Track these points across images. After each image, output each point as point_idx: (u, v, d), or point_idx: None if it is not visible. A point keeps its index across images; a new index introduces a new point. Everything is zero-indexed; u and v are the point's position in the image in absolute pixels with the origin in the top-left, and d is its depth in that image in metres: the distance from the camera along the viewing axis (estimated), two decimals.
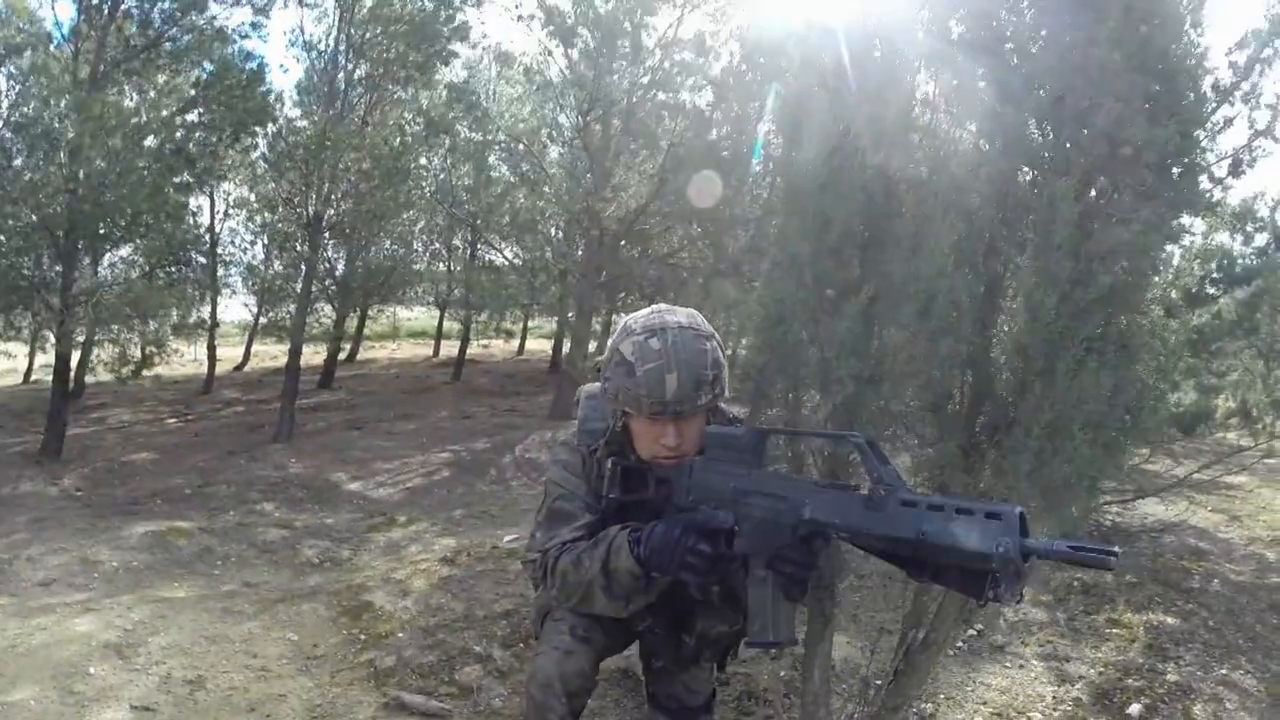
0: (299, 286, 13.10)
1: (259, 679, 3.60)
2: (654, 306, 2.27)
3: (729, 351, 2.47)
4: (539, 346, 25.28)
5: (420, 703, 3.39)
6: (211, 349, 17.32)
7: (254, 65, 11.09)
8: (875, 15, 2.43)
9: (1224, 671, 3.73)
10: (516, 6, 12.49)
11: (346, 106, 12.40)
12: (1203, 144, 2.28)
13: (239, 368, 20.74)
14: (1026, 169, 2.34)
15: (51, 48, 10.24)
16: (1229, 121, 3.99)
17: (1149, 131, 2.05)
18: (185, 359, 18.16)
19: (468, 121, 14.37)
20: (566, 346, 14.96)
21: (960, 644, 3.95)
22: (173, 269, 12.62)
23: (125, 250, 12.18)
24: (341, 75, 12.26)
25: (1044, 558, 1.49)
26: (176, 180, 10.17)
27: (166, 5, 10.04)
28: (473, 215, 16.51)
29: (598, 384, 2.38)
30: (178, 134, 10.28)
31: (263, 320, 17.15)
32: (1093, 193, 2.18)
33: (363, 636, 4.06)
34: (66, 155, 9.31)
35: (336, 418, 13.35)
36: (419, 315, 27.66)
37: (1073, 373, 2.10)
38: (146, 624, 4.08)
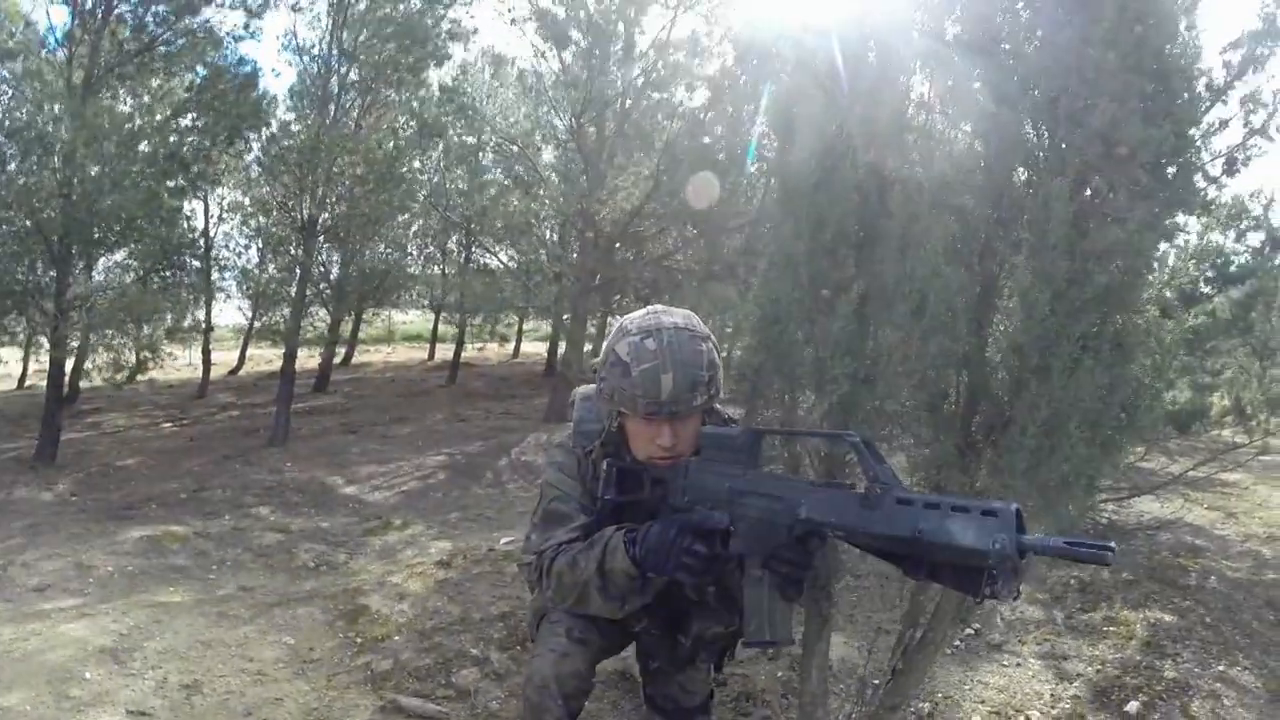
0: (293, 290, 13.06)
1: (255, 683, 3.60)
2: (650, 307, 2.27)
3: (724, 353, 2.47)
4: (534, 349, 25.30)
5: (417, 706, 3.39)
6: (206, 353, 17.29)
7: (247, 69, 11.09)
8: (870, 16, 2.43)
9: (1222, 668, 3.74)
10: (510, 10, 12.50)
11: (340, 110, 12.39)
12: (1198, 143, 2.29)
13: (234, 372, 20.71)
14: (1022, 170, 2.35)
15: (44, 53, 10.21)
16: (1224, 123, 4.01)
17: (1144, 131, 2.05)
18: (180, 363, 18.14)
19: (460, 123, 14.37)
20: (562, 349, 14.95)
21: (958, 643, 3.95)
22: (167, 273, 12.59)
23: (119, 255, 12.15)
24: (335, 79, 12.24)
25: (1040, 554, 1.49)
26: (170, 184, 10.15)
27: (160, 9, 10.01)
28: (467, 218, 16.51)
29: (592, 386, 2.38)
30: (171, 138, 10.27)
31: (257, 324, 17.10)
32: (1088, 192, 2.18)
33: (359, 640, 4.05)
34: (60, 160, 9.28)
35: (332, 421, 13.33)
36: (414, 319, 27.70)
37: (1069, 371, 2.10)
38: (142, 629, 4.07)
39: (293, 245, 13.50)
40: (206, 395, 16.78)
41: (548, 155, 14.96)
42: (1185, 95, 2.18)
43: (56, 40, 10.50)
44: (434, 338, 24.25)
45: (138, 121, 10.41)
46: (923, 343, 2.23)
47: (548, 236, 16.14)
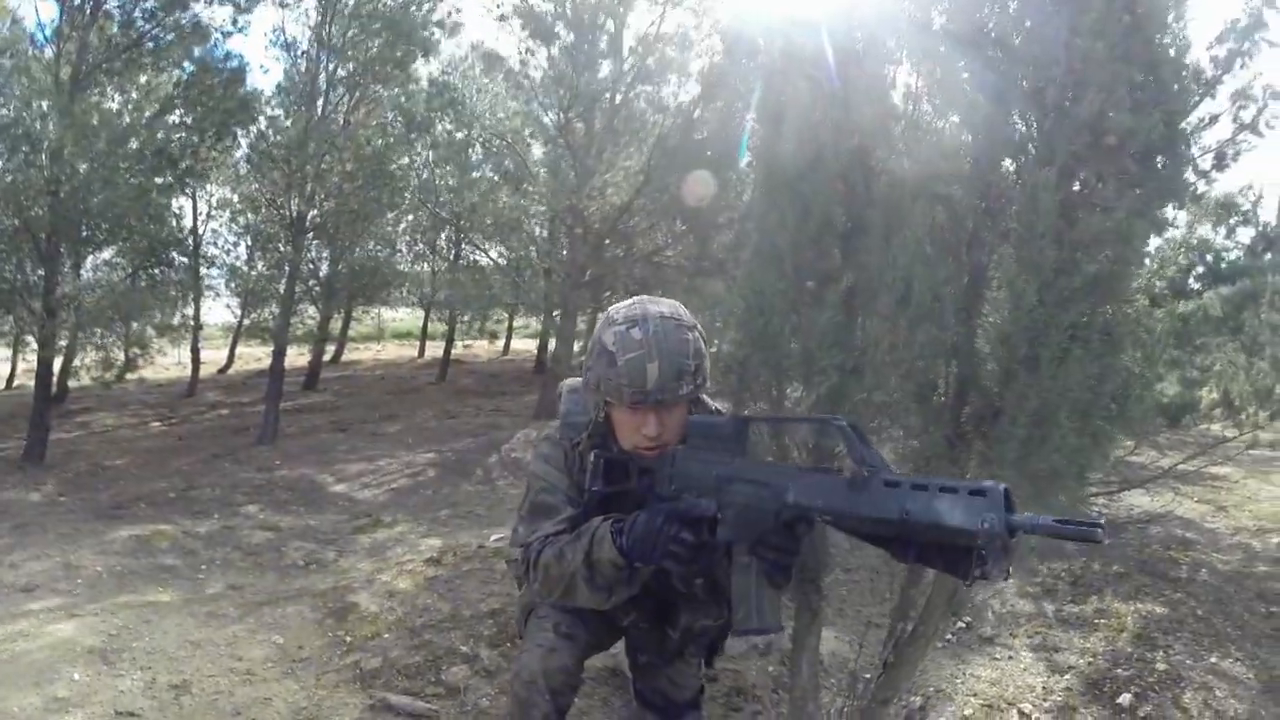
0: (282, 288, 13.03)
1: (244, 682, 3.58)
2: (636, 297, 2.26)
3: (713, 349, 2.45)
4: (524, 346, 25.28)
5: (406, 704, 3.37)
6: (195, 352, 17.25)
7: (233, 64, 11.05)
8: (858, 6, 2.42)
9: (1213, 660, 3.74)
10: (498, 6, 12.46)
11: (329, 106, 12.35)
12: (1188, 134, 2.28)
13: (223, 370, 20.67)
14: (1010, 160, 2.34)
15: (32, 49, 10.15)
16: (1214, 118, 4.01)
17: (1134, 121, 2.05)
18: (169, 362, 18.09)
19: (449, 118, 14.33)
20: (552, 346, 14.93)
21: (949, 636, 3.95)
22: (155, 271, 12.55)
23: (108, 253, 12.11)
24: (323, 75, 12.20)
25: (1030, 532, 1.47)
26: (159, 181, 10.11)
27: (149, 4, 9.97)
28: (456, 215, 16.47)
29: (579, 378, 2.36)
30: (159, 135, 10.22)
31: (246, 322, 17.04)
32: (1076, 186, 2.17)
33: (348, 638, 4.03)
34: (48, 158, 9.23)
35: (321, 419, 13.30)
36: (404, 316, 27.66)
37: (1058, 361, 2.09)
38: (130, 628, 4.05)
39: (281, 242, 13.45)
40: (196, 394, 16.74)
41: (537, 151, 14.92)
42: (1175, 85, 2.17)
43: (45, 37, 10.46)
44: (424, 335, 24.24)
45: (126, 119, 10.35)
46: (909, 332, 2.22)
47: (537, 233, 16.10)
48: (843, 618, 4.15)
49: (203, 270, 16.18)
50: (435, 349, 21.93)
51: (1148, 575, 4.62)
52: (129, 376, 12.27)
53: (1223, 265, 11.80)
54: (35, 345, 10.28)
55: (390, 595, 4.55)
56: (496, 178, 15.57)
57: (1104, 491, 5.21)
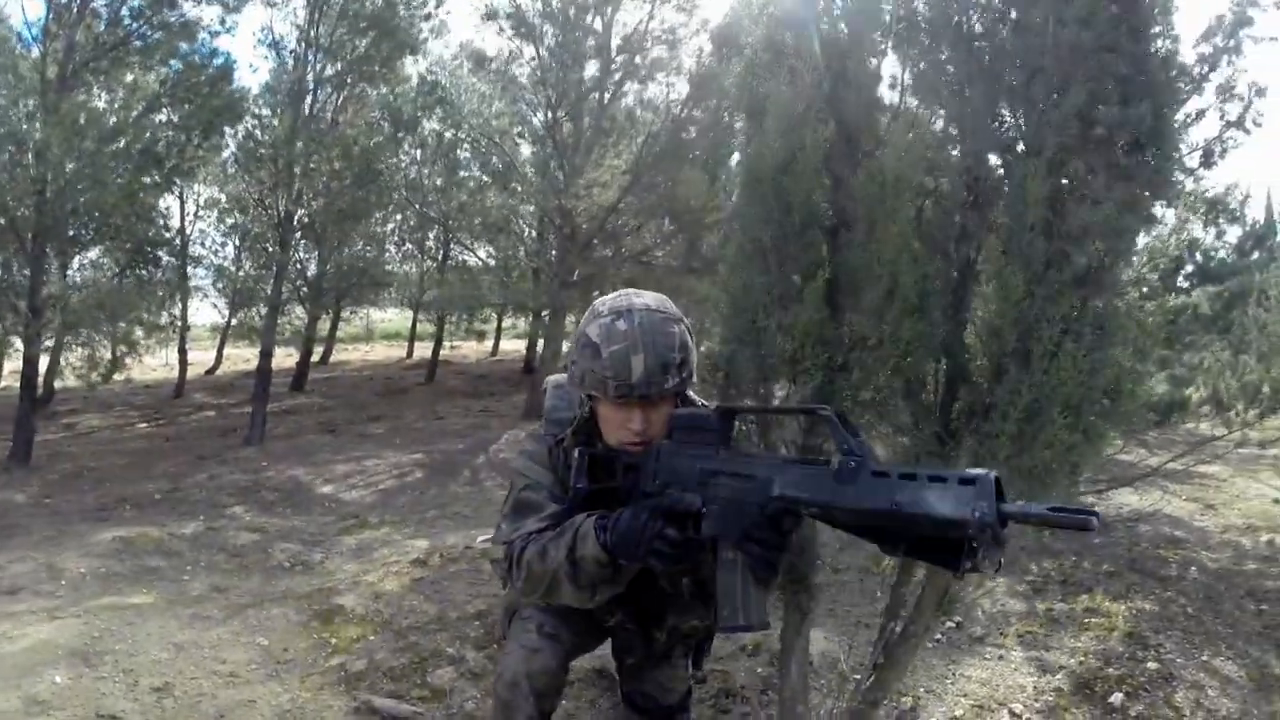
0: (270, 288, 12.97)
1: (227, 685, 3.54)
2: (622, 290, 2.22)
3: (701, 348, 2.42)
4: (513, 347, 25.22)
5: (391, 706, 3.34)
6: (182, 353, 17.15)
7: (220, 62, 11.00)
8: None
9: (1204, 658, 3.73)
10: (487, 5, 12.45)
11: (316, 105, 12.31)
12: (1176, 127, 2.26)
13: (210, 371, 20.57)
14: (996, 152, 2.32)
15: (19, 48, 10.08)
16: (1200, 114, 4.00)
17: (1122, 111, 2.02)
18: (156, 363, 18.01)
19: (437, 117, 14.31)
20: (541, 346, 14.89)
21: (939, 636, 3.93)
22: (142, 270, 12.48)
23: (94, 253, 12.05)
24: (311, 74, 12.15)
25: (1022, 521, 1.44)
26: (147, 180, 10.06)
27: (136, 2, 9.91)
28: (444, 214, 16.45)
29: (565, 375, 2.33)
30: (146, 134, 10.16)
31: (234, 323, 16.97)
32: (1064, 180, 2.15)
33: (333, 640, 4.00)
34: (34, 157, 9.16)
35: (309, 420, 13.26)
36: (393, 317, 27.60)
37: (1049, 355, 2.07)
38: (113, 630, 4.01)
39: (269, 242, 13.40)
40: (183, 395, 16.66)
41: (525, 150, 14.90)
42: (1163, 76, 2.15)
43: (31, 35, 10.39)
44: (412, 336, 24.15)
45: (113, 117, 10.29)
46: (896, 326, 2.19)
47: (526, 233, 16.08)
48: (832, 618, 4.13)
49: (190, 270, 16.11)
50: (424, 350, 21.86)
51: (1138, 574, 4.61)
52: (115, 377, 12.18)
53: (1211, 264, 11.85)
54: (21, 346, 10.21)
55: (376, 597, 4.52)
56: (485, 177, 15.56)
57: (1092, 490, 5.20)
